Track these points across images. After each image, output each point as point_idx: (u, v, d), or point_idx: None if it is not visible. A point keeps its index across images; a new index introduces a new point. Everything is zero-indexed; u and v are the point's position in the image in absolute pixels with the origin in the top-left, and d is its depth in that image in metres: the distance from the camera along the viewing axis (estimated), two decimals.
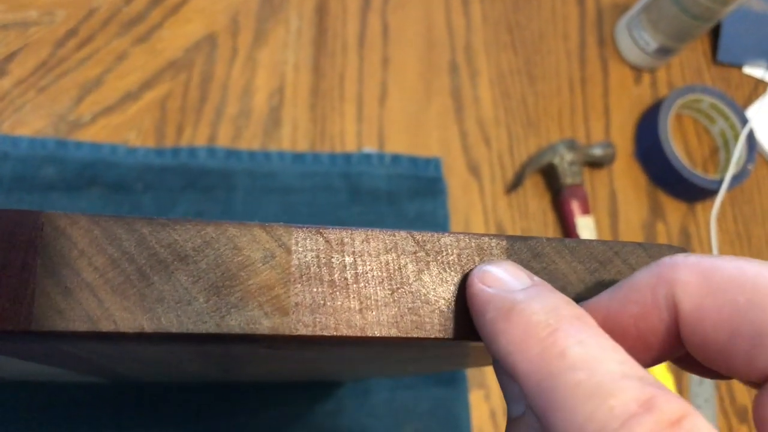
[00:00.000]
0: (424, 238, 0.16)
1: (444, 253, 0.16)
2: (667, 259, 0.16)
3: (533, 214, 0.54)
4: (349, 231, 0.16)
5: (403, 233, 0.16)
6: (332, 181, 0.50)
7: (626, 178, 0.57)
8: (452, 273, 0.16)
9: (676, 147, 0.57)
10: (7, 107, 0.47)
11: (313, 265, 0.15)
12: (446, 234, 0.16)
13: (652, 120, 0.57)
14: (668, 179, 0.56)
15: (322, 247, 0.15)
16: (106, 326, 0.14)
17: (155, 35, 0.51)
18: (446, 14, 0.58)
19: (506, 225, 0.52)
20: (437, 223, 0.51)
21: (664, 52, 0.58)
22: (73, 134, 0.47)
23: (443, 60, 0.56)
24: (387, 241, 0.16)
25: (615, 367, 0.13)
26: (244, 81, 0.51)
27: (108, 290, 0.14)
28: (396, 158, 0.52)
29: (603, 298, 0.16)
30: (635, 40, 0.58)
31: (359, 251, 0.16)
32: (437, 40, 0.57)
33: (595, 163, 0.56)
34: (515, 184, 0.53)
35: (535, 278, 0.16)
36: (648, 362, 0.16)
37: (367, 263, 0.16)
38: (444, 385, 0.48)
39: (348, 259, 0.15)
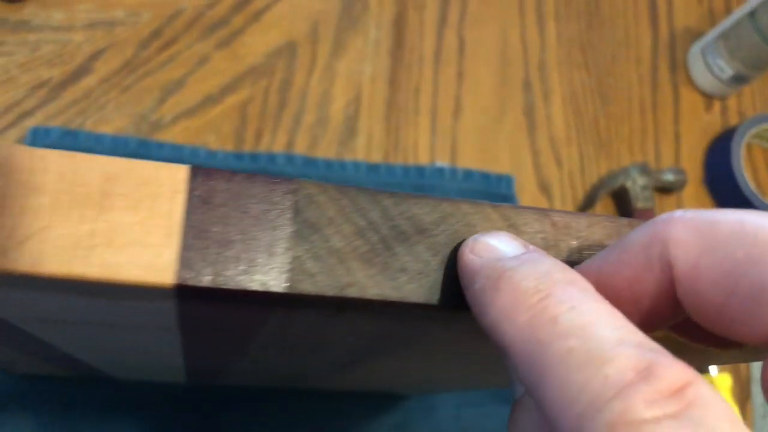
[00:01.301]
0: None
1: None
2: (662, 216, 0.14)
3: None
4: (575, 216, 0.16)
5: (624, 221, 0.16)
6: None
7: (694, 204, 0.57)
8: None
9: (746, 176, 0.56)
10: (92, 105, 0.47)
11: (541, 246, 0.15)
12: None
13: (723, 148, 0.56)
14: (738, 208, 0.56)
15: (548, 230, 0.16)
16: (352, 292, 0.14)
17: (237, 40, 0.51)
18: (521, 32, 0.58)
19: None
20: None
21: (738, 80, 0.57)
22: (154, 134, 0.47)
23: (517, 77, 0.56)
24: (609, 228, 0.16)
25: (611, 333, 0.12)
26: (322, 90, 0.52)
27: (355, 258, 0.14)
28: (468, 173, 0.52)
29: (595, 261, 0.15)
30: (710, 66, 0.58)
31: (584, 236, 0.16)
32: (512, 57, 0.57)
33: (664, 188, 0.55)
34: (586, 205, 0.53)
35: (531, 246, 0.15)
36: (647, 327, 0.15)
37: (592, 248, 0.16)
38: (510, 403, 0.47)
39: (573, 243, 0.16)
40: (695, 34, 0.62)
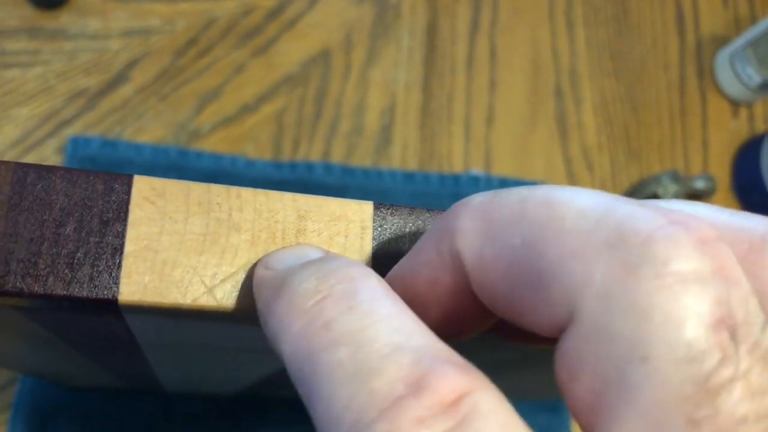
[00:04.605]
0: None
1: None
2: (453, 206, 0.13)
3: None
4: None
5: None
6: (442, 202, 0.50)
7: None
8: None
9: None
10: (130, 114, 0.47)
11: None
12: None
13: (752, 155, 0.57)
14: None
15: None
16: None
17: (272, 49, 0.51)
18: (552, 38, 0.58)
19: None
20: None
21: (767, 87, 0.58)
22: (193, 143, 0.47)
23: (548, 84, 0.56)
24: None
25: (386, 337, 0.10)
26: (357, 98, 0.52)
27: None
28: (503, 182, 0.52)
29: (400, 265, 0.13)
30: (737, 73, 0.59)
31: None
32: (543, 64, 0.57)
33: (695, 196, 0.56)
34: None
35: (331, 252, 0.13)
36: (460, 333, 0.14)
37: None
38: (548, 411, 0.47)
39: None
40: (721, 41, 0.62)
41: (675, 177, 0.54)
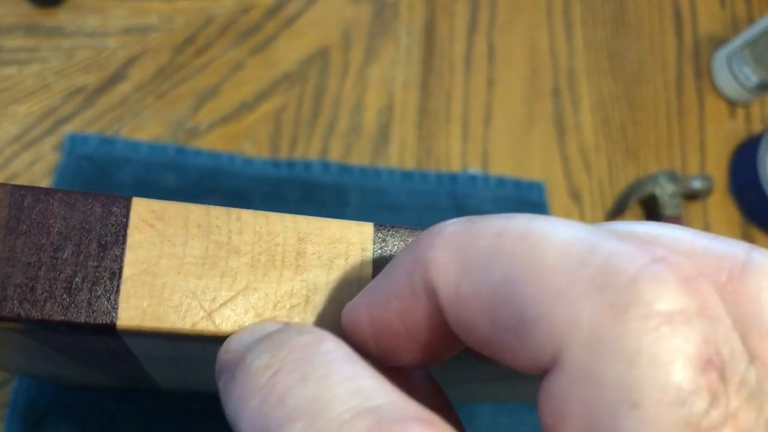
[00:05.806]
0: None
1: None
2: (426, 232, 0.12)
3: None
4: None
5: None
6: (439, 201, 0.50)
7: (720, 212, 0.57)
8: None
9: None
10: (127, 111, 0.47)
11: None
12: None
13: (749, 155, 0.57)
14: (764, 215, 0.56)
15: None
16: None
17: (270, 47, 0.51)
18: (550, 39, 0.58)
19: None
20: None
21: (764, 87, 0.58)
22: (191, 142, 0.47)
23: (546, 84, 0.56)
24: None
25: (343, 402, 0.10)
26: (355, 97, 0.52)
27: None
28: (501, 181, 0.52)
29: (366, 293, 0.13)
30: (735, 73, 0.59)
31: None
32: (541, 63, 0.57)
33: (691, 196, 0.56)
34: (616, 213, 0.53)
35: (291, 324, 0.13)
36: (430, 361, 0.13)
37: None
38: None
39: None
40: (718, 41, 0.63)
41: (672, 177, 0.54)
